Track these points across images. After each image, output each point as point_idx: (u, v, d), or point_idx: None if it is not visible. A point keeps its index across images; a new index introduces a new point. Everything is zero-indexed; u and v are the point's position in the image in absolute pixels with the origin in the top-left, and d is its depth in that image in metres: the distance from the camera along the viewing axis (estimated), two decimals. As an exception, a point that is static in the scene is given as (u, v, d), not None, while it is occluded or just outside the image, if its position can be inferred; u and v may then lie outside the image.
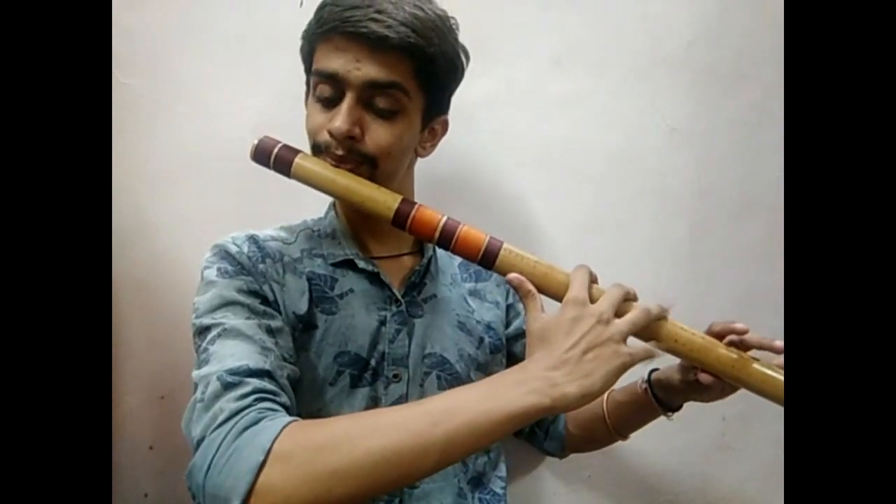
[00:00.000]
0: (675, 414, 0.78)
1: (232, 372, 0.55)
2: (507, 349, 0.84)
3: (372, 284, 0.73)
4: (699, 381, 0.66)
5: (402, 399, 0.70)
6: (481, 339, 0.79)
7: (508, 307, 0.86)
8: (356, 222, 0.76)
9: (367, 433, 0.51)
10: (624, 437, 0.84)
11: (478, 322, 0.80)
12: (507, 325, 0.85)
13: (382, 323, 0.71)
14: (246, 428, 0.51)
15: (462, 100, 0.77)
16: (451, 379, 0.74)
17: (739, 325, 0.64)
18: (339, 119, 0.64)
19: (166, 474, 0.88)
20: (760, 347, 0.64)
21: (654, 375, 0.77)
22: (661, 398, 0.77)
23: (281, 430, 0.50)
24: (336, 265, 0.73)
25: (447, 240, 0.65)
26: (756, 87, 1.09)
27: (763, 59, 1.08)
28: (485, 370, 0.78)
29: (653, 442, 0.96)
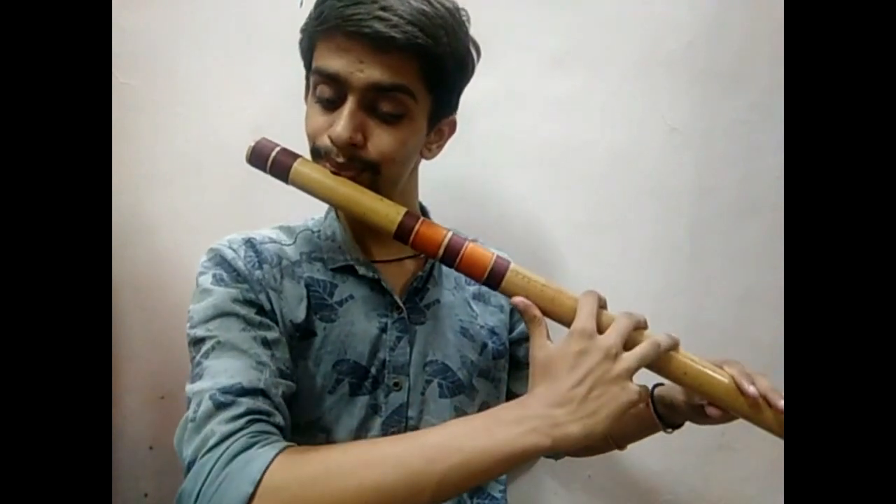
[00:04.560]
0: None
1: (224, 391, 0.55)
2: (511, 353, 0.82)
3: (372, 291, 0.70)
4: (706, 412, 0.64)
5: (402, 408, 0.69)
6: (484, 345, 0.77)
7: (512, 311, 0.84)
8: (357, 225, 0.73)
9: (360, 467, 0.50)
10: (622, 447, 0.83)
11: (481, 327, 0.78)
12: (511, 329, 0.83)
13: (383, 330, 0.69)
14: (236, 454, 0.51)
15: (462, 100, 0.76)
16: (453, 387, 0.72)
17: (751, 390, 0.58)
18: (341, 125, 0.61)
19: (166, 474, 0.88)
20: (764, 397, 0.59)
21: (657, 392, 0.75)
22: (663, 415, 0.75)
23: (272, 460, 0.50)
24: (336, 270, 0.70)
25: (452, 257, 0.63)
26: (756, 87, 1.09)
27: (763, 59, 1.08)
28: (487, 376, 0.76)
29: (653, 442, 0.95)
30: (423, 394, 0.70)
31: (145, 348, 0.88)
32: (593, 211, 1.04)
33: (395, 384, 0.69)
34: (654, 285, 1.04)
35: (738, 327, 1.08)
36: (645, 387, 0.57)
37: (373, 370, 0.68)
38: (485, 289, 0.82)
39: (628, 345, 0.56)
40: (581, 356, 0.54)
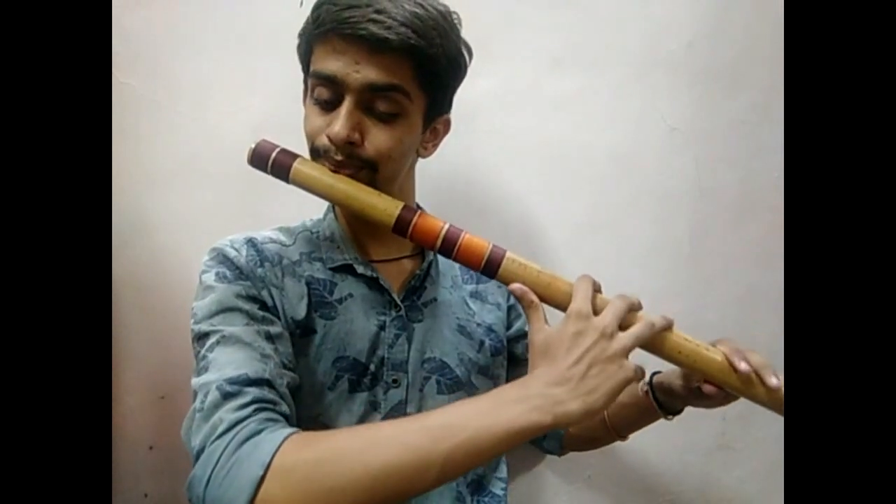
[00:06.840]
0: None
1: (231, 381, 0.55)
2: (509, 350, 0.84)
3: (371, 289, 0.72)
4: (702, 390, 0.66)
5: (401, 404, 0.70)
6: (482, 343, 0.78)
7: (510, 308, 0.85)
8: (355, 225, 0.75)
9: (367, 448, 0.51)
10: (623, 437, 0.84)
11: (478, 325, 0.79)
12: (509, 326, 0.85)
13: (381, 328, 0.70)
14: (246, 439, 0.51)
15: (462, 100, 0.77)
16: (451, 384, 0.73)
17: (743, 366, 0.60)
18: (338, 124, 0.63)
19: (166, 474, 0.88)
20: (757, 373, 0.61)
21: (655, 379, 0.77)
22: (663, 402, 0.76)
23: (281, 444, 0.50)
24: (335, 269, 0.72)
25: (449, 248, 0.64)
26: (756, 87, 1.09)
27: (763, 59, 1.08)
28: (486, 373, 0.77)
29: (653, 442, 0.96)
30: (421, 391, 0.71)
31: (145, 348, 0.88)
32: (593, 211, 1.04)
33: (394, 381, 0.70)
34: (654, 285, 1.04)
35: (738, 327, 1.08)
36: (641, 366, 0.58)
37: (372, 367, 0.69)
38: (482, 287, 0.83)
39: (624, 326, 0.58)
40: (578, 337, 0.56)
